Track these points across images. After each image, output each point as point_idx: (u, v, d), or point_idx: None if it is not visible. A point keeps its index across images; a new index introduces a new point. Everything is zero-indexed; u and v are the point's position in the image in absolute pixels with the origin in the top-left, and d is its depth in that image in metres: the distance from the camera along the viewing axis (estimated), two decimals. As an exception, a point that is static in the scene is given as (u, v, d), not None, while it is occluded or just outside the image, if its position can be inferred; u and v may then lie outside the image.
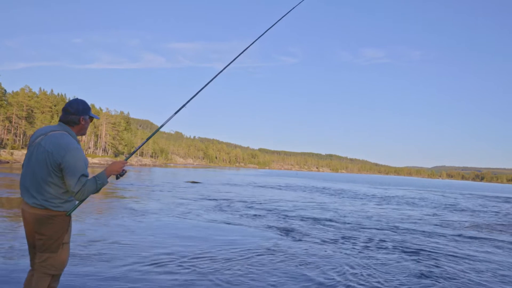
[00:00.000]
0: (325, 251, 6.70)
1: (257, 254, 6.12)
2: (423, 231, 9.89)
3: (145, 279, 4.48)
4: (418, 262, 6.27)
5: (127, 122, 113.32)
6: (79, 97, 3.12)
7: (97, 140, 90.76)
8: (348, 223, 10.55)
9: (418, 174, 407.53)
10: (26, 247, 2.77)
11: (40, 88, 79.61)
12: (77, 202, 2.68)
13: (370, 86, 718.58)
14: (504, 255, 7.41)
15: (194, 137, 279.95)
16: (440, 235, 9.39)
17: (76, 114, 2.70)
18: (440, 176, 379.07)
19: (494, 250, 7.82)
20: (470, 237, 9.38)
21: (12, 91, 72.13)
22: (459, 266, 6.14)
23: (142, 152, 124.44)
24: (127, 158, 2.89)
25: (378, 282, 4.95)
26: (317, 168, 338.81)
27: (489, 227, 11.81)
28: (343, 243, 7.50)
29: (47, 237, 2.53)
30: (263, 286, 4.53)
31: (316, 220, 10.88)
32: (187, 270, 4.96)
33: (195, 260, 5.51)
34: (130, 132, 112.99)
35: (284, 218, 10.79)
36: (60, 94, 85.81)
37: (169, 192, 18.13)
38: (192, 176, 38.95)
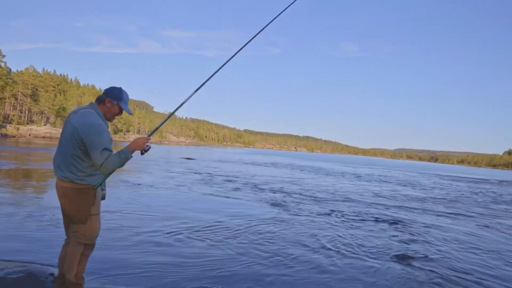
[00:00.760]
0: (317, 222, 6.86)
1: (260, 224, 6.17)
2: (395, 205, 10.24)
3: (162, 250, 4.44)
4: (397, 230, 6.55)
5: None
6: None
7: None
8: (332, 198, 10.79)
9: (382, 155, 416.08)
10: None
11: (43, 69, 76.62)
12: (103, 176, 2.55)
13: (343, 77, 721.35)
14: (461, 224, 7.79)
15: (186, 117, 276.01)
16: (409, 208, 9.75)
17: (105, 94, 2.58)
18: (400, 157, 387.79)
19: (454, 221, 8.20)
20: (432, 210, 9.78)
21: (17, 70, 69.22)
22: (429, 232, 6.45)
23: (139, 130, 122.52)
24: (149, 135, 2.70)
25: (365, 246, 5.15)
26: (295, 148, 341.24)
27: (443, 201, 12.30)
28: (330, 215, 7.68)
29: (75, 208, 2.48)
30: (268, 251, 4.64)
31: (304, 195, 11.08)
32: (200, 239, 4.98)
33: (206, 230, 5.52)
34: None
35: (276, 193, 10.87)
36: (62, 74, 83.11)
37: (167, 167, 18.01)
38: (186, 153, 38.72)
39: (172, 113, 3.01)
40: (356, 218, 7.54)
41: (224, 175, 15.47)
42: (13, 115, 63.94)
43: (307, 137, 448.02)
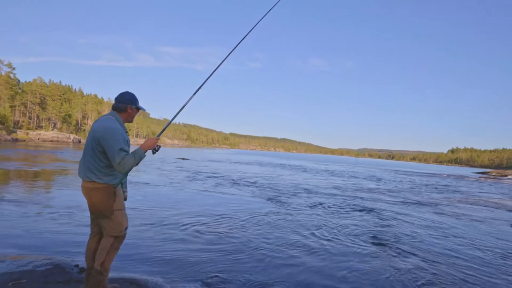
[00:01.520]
0: (306, 213, 6.95)
1: (259, 216, 6.21)
2: (366, 197, 10.47)
3: (180, 239, 4.41)
4: (375, 217, 6.71)
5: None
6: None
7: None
8: (314, 192, 10.92)
9: (348, 154, 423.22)
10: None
11: (50, 80, 73.71)
12: (120, 175, 2.48)
13: (314, 87, 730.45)
14: (419, 211, 8.05)
15: (179, 123, 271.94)
16: (378, 199, 9.99)
17: (124, 102, 2.52)
18: (363, 156, 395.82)
19: (413, 208, 8.47)
20: (394, 200, 10.06)
21: (25, 81, 66.57)
22: (396, 218, 6.64)
23: (138, 134, 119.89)
24: (158, 135, 2.64)
25: (345, 231, 5.27)
26: (274, 148, 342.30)
27: (402, 192, 12.68)
28: (316, 207, 7.78)
29: (99, 206, 2.41)
30: (270, 238, 4.73)
31: (290, 190, 11.16)
32: (211, 230, 4.96)
33: (215, 222, 5.50)
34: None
35: (266, 189, 10.85)
36: (67, 85, 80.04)
37: (167, 166, 17.75)
38: (180, 154, 38.21)
39: (176, 115, 2.78)
40: (336, 208, 7.68)
41: (219, 174, 15.37)
42: (23, 121, 61.35)
43: (284, 139, 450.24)
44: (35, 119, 66.06)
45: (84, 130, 75.23)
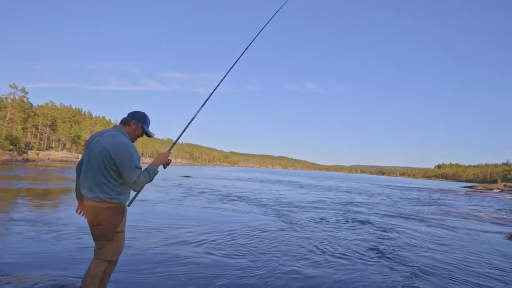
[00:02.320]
0: (309, 227, 6.75)
1: (266, 231, 6.02)
2: (363, 211, 10.27)
3: (192, 254, 4.24)
4: (377, 231, 6.51)
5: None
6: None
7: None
8: (314, 207, 10.71)
9: (341, 170, 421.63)
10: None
11: (61, 103, 74.20)
12: (132, 193, 2.33)
13: (309, 108, 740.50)
14: (413, 223, 7.85)
15: (182, 142, 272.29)
16: (372, 213, 9.78)
17: (130, 117, 2.31)
18: (356, 172, 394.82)
19: (407, 221, 8.27)
20: (389, 213, 9.86)
21: (38, 105, 67.01)
22: (399, 232, 6.46)
23: (143, 153, 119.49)
24: (169, 149, 2.48)
25: (347, 243, 5.07)
26: (272, 165, 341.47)
27: (395, 205, 12.47)
28: (321, 222, 7.59)
29: (104, 226, 2.16)
30: (279, 252, 4.55)
31: (294, 206, 10.94)
32: (223, 245, 4.77)
33: (227, 237, 5.34)
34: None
35: (268, 206, 10.56)
36: (77, 108, 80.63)
37: (171, 185, 17.49)
38: (184, 172, 37.88)
39: (185, 129, 2.71)
40: (338, 222, 7.48)
41: (222, 191, 15.13)
42: (34, 142, 61.14)
43: (281, 157, 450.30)
44: (46, 140, 65.90)
45: (92, 150, 74.76)
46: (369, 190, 24.99)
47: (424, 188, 36.41)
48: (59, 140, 68.91)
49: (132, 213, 7.01)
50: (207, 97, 2.86)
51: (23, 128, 55.74)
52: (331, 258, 4.43)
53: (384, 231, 6.78)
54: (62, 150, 66.16)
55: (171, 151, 2.57)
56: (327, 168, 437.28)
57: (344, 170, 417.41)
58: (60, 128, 66.71)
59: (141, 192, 2.10)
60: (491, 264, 4.73)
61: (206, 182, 21.45)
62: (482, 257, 5.13)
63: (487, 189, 39.80)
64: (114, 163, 2.11)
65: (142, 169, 2.17)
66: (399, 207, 12.48)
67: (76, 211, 2.41)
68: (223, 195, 12.66)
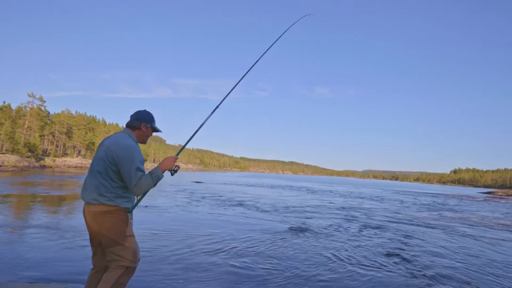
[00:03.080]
0: (324, 233, 6.60)
1: (283, 238, 5.94)
2: (376, 215, 10.00)
3: (213, 261, 4.20)
4: (391, 234, 6.30)
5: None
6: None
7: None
8: (330, 213, 10.52)
9: (353, 175, 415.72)
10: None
11: (76, 111, 76.46)
12: (135, 198, 2.10)
13: (319, 113, 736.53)
14: (432, 231, 7.57)
15: (193, 148, 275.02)
16: (387, 220, 9.51)
17: (138, 120, 2.17)
18: (368, 177, 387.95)
19: (427, 228, 7.98)
20: (404, 220, 9.56)
21: (54, 113, 69.21)
22: (411, 235, 6.22)
23: (154, 159, 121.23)
24: (177, 154, 2.31)
25: (361, 248, 4.90)
26: (282, 171, 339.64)
27: (417, 213, 12.09)
28: (337, 228, 7.42)
29: (109, 232, 1.96)
30: (294, 260, 4.44)
31: (308, 212, 10.78)
32: (243, 251, 4.69)
33: (246, 244, 5.28)
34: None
35: (282, 212, 10.39)
36: (92, 115, 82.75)
37: (184, 190, 17.55)
38: (195, 177, 38.10)
39: (194, 134, 2.57)
40: (352, 228, 7.29)
41: (237, 198, 15.06)
42: (51, 149, 63.00)
43: (292, 162, 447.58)
44: (62, 147, 67.76)
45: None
46: (382, 195, 24.43)
47: (439, 194, 35.34)
48: (74, 146, 70.75)
49: (149, 220, 7.08)
50: (217, 104, 2.83)
51: (40, 136, 57.54)
52: (350, 267, 4.28)
53: (404, 238, 6.54)
54: (77, 156, 67.88)
55: (179, 156, 2.44)
56: (339, 173, 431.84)
57: (356, 176, 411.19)
58: (76, 135, 68.52)
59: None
60: (519, 275, 4.46)
61: (218, 188, 21.46)
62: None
63: (508, 195, 38.29)
64: (115, 163, 1.97)
65: (146, 173, 2.02)
66: (413, 214, 12.09)
67: None
68: (236, 201, 12.59)
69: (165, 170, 2.10)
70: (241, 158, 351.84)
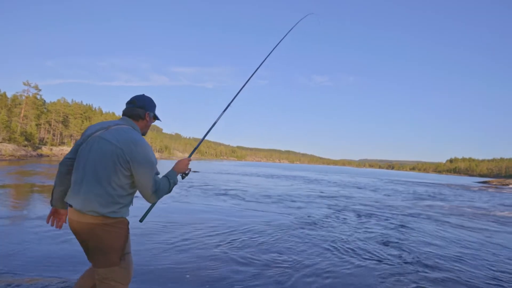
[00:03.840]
0: (326, 224, 6.74)
1: (285, 229, 6.01)
2: (372, 205, 10.19)
3: (221, 250, 4.29)
4: (390, 223, 6.47)
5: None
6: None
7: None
8: (328, 203, 10.66)
9: (350, 164, 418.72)
10: None
11: (72, 99, 75.58)
12: (128, 207, 1.74)
13: (317, 101, 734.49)
14: (423, 222, 7.75)
15: (190, 137, 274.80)
16: (385, 207, 9.70)
17: (143, 108, 1.80)
18: (364, 166, 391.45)
19: (416, 219, 8.18)
20: (396, 209, 9.76)
21: (50, 101, 68.45)
22: (406, 225, 6.40)
23: (151, 148, 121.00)
24: (190, 155, 2.07)
25: (359, 236, 5.06)
26: (279, 160, 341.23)
27: (407, 201, 12.32)
28: (335, 218, 7.57)
29: (107, 248, 1.61)
30: (298, 248, 4.56)
31: (308, 202, 10.92)
32: (241, 244, 4.79)
33: (248, 234, 5.38)
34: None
35: (283, 202, 10.44)
36: (88, 104, 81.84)
37: (180, 181, 17.56)
38: (191, 167, 38.09)
39: (206, 135, 2.41)
40: (350, 218, 7.46)
41: (233, 187, 15.17)
42: (47, 138, 62.62)
43: (288, 151, 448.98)
44: (58, 136, 67.37)
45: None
46: (376, 185, 24.74)
47: (436, 184, 35.81)
48: (71, 135, 70.37)
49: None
50: (228, 104, 2.86)
51: (36, 125, 57.07)
52: (345, 257, 4.42)
53: (398, 227, 6.71)
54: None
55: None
56: (335, 162, 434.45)
57: (352, 165, 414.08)
58: (72, 124, 68.04)
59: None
60: None
61: (214, 177, 21.59)
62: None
63: (503, 184, 38.95)
64: (128, 167, 1.60)
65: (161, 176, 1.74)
66: (408, 204, 12.32)
67: (47, 221, 1.79)
68: (232, 191, 12.73)
69: (178, 174, 1.86)
70: (238, 147, 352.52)
